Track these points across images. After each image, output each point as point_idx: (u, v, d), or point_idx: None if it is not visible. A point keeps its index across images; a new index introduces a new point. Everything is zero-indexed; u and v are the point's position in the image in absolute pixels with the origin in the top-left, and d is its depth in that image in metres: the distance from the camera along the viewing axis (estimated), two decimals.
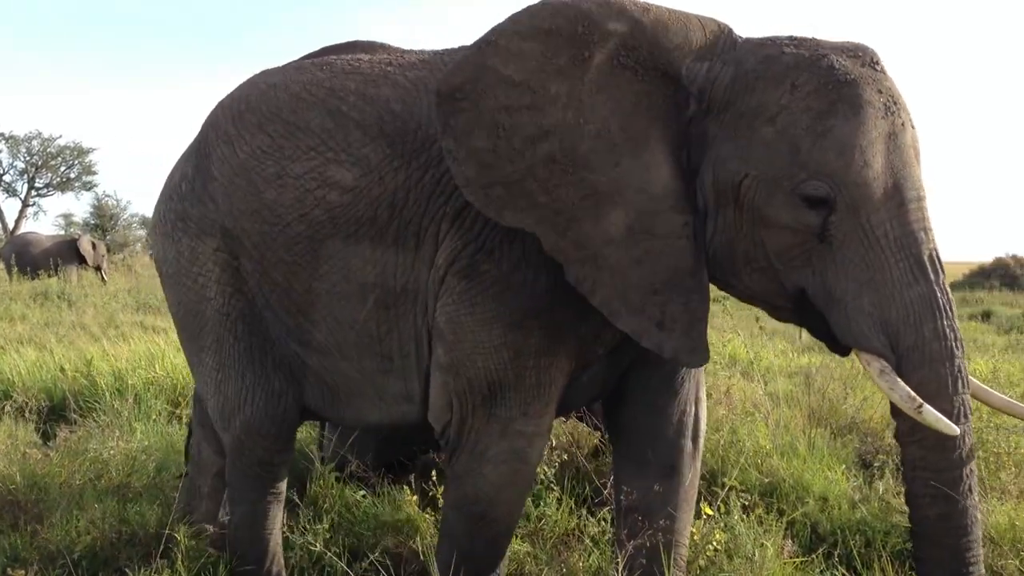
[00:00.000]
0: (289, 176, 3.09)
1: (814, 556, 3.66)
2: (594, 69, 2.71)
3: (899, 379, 2.52)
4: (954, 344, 2.55)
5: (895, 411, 2.63)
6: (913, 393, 2.48)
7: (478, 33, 2.82)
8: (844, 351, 2.79)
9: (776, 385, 6.45)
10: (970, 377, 2.64)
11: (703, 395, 3.40)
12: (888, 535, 3.81)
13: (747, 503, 3.87)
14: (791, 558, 3.60)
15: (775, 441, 4.84)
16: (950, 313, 2.57)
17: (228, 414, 3.34)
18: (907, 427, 2.60)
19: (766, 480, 4.34)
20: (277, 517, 3.50)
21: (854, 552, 3.66)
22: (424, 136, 2.98)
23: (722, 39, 2.79)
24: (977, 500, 2.64)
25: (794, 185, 2.58)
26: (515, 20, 2.76)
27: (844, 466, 4.60)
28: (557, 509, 3.99)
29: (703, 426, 3.37)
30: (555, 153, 2.69)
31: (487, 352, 2.91)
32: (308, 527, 3.75)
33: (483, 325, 2.90)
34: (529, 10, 2.77)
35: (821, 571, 3.58)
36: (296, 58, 3.56)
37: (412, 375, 3.15)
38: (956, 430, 2.47)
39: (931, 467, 2.59)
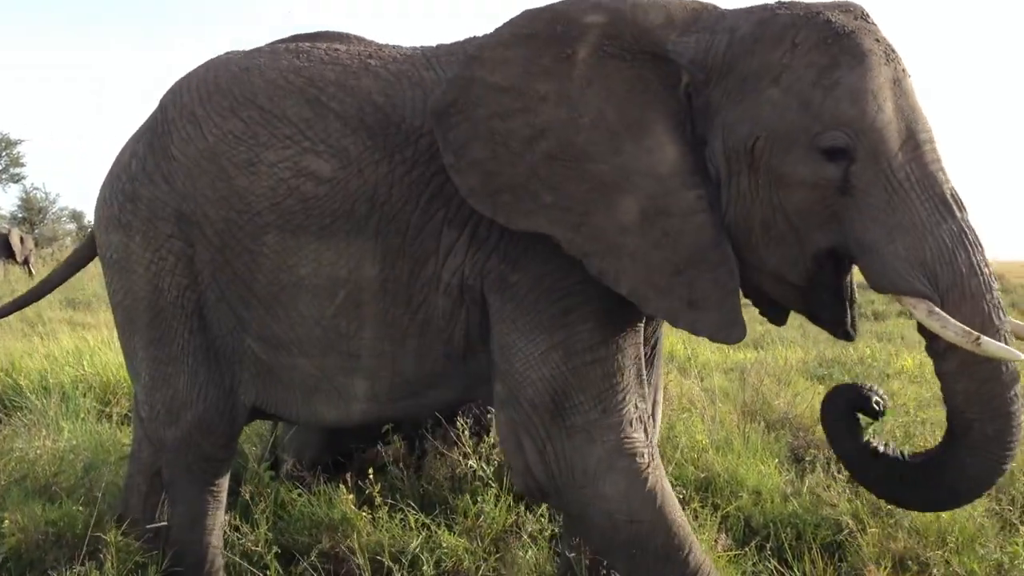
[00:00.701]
0: (263, 164, 3.01)
1: (747, 549, 3.72)
2: (580, 64, 2.71)
3: (949, 317, 2.47)
4: (989, 278, 2.54)
5: (934, 351, 2.59)
6: (967, 327, 2.44)
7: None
8: (848, 337, 2.80)
9: (712, 381, 6.55)
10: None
11: (661, 396, 3.43)
12: (818, 527, 3.89)
13: (683, 497, 3.93)
14: (725, 551, 3.66)
15: (711, 436, 4.92)
16: (980, 247, 2.55)
17: (177, 408, 3.23)
18: (954, 366, 2.56)
19: (701, 475, 4.41)
20: (217, 517, 3.42)
21: (785, 545, 3.73)
22: (409, 130, 2.95)
23: (705, 12, 2.80)
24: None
25: (810, 138, 2.56)
26: (497, 33, 2.83)
27: (777, 460, 4.69)
28: (495, 506, 3.99)
29: (659, 422, 3.41)
30: (553, 150, 2.69)
31: (538, 360, 2.83)
32: (241, 527, 3.69)
33: (525, 335, 2.85)
34: (509, 22, 2.84)
35: (753, 564, 3.64)
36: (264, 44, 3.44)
37: (382, 375, 3.10)
38: (1019, 355, 2.45)
39: (987, 394, 2.55)
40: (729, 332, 2.72)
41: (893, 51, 2.63)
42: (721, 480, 4.34)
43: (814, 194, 2.60)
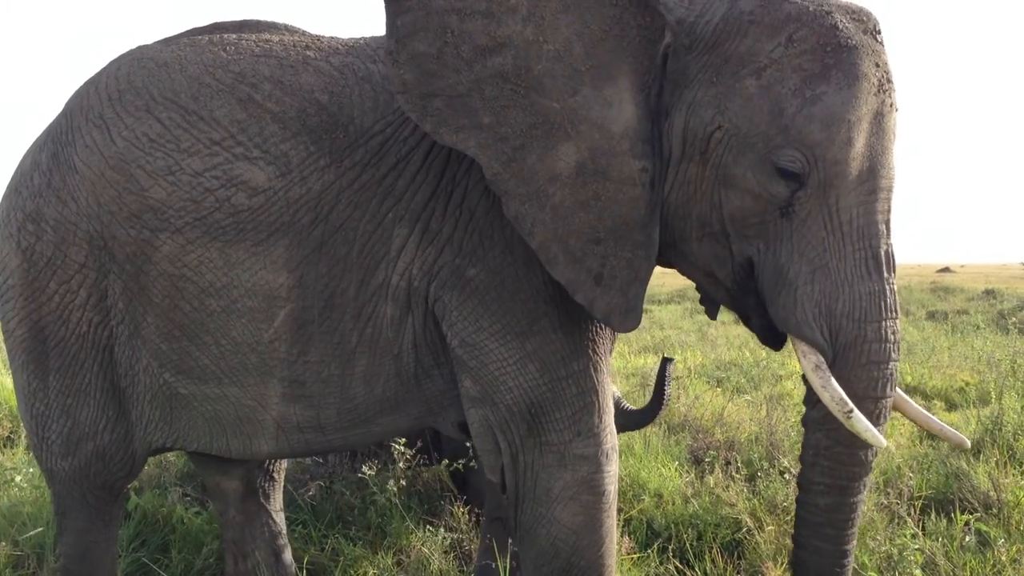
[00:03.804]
0: (184, 172, 2.69)
1: (650, 551, 3.78)
2: None
3: (833, 379, 2.40)
4: (893, 347, 2.45)
5: (809, 398, 2.55)
6: (845, 397, 2.38)
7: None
8: (775, 343, 2.68)
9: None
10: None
11: None
12: (718, 527, 3.97)
13: None
14: (628, 554, 3.71)
15: None
16: (895, 314, 2.45)
17: (77, 439, 2.93)
18: (820, 415, 2.51)
19: None
20: (110, 549, 3.17)
21: (687, 545, 3.80)
22: (358, 131, 2.69)
23: None
24: (865, 497, 2.63)
25: (768, 149, 2.40)
26: None
27: (677, 463, 4.78)
28: (402, 524, 3.99)
29: None
30: (507, 69, 2.45)
31: (514, 369, 2.65)
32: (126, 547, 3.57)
33: (496, 339, 2.65)
34: None
35: (656, 566, 3.69)
36: (179, 32, 3.10)
37: (329, 402, 2.83)
38: (883, 442, 2.41)
39: (835, 458, 2.52)
40: (625, 319, 2.58)
41: (889, 82, 2.45)
42: (624, 484, 4.39)
43: (755, 205, 2.47)
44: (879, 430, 2.42)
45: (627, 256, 2.54)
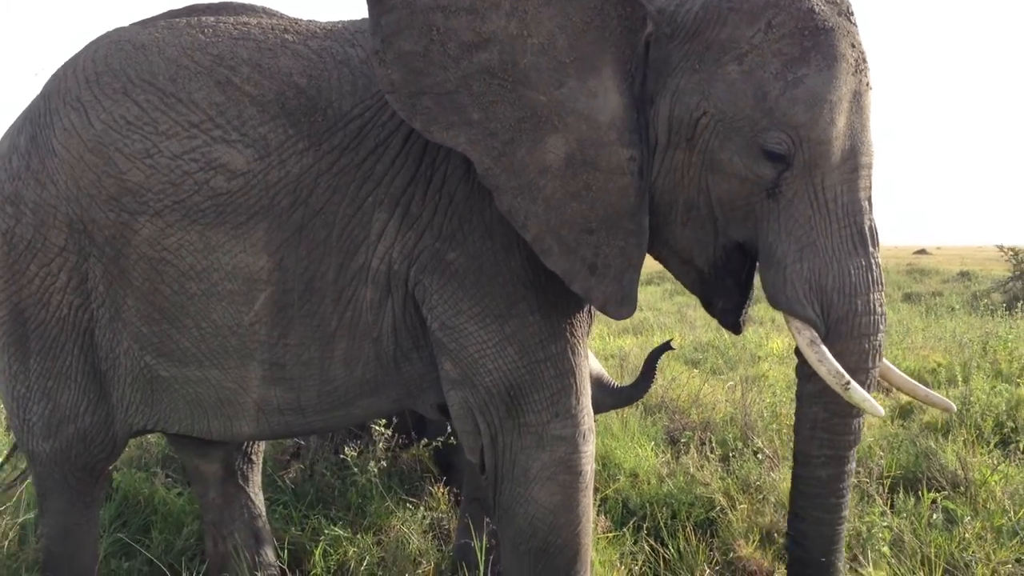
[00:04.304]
0: (163, 155, 2.69)
1: (625, 530, 3.84)
2: None
3: (828, 353, 2.49)
4: (880, 319, 2.55)
5: (803, 372, 2.63)
6: (842, 369, 2.46)
7: None
8: (735, 327, 2.79)
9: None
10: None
11: None
12: (692, 506, 4.04)
13: None
14: (604, 533, 3.77)
15: None
16: (881, 287, 2.55)
17: (58, 421, 2.95)
18: (816, 389, 2.60)
19: None
20: (92, 529, 3.20)
21: (661, 524, 3.87)
22: (337, 114, 2.71)
23: None
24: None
25: (755, 132, 2.47)
26: None
27: (653, 443, 4.85)
28: (382, 504, 4.04)
29: None
30: (493, 64, 2.49)
31: (493, 351, 2.69)
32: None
33: (476, 321, 2.69)
34: None
35: (631, 544, 3.75)
36: (156, 14, 3.07)
37: (309, 384, 2.86)
38: (881, 411, 2.50)
39: (832, 430, 2.62)
40: (620, 307, 2.63)
41: (864, 61, 2.53)
42: (599, 463, 4.45)
43: (743, 188, 2.54)
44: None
45: (620, 244, 2.58)
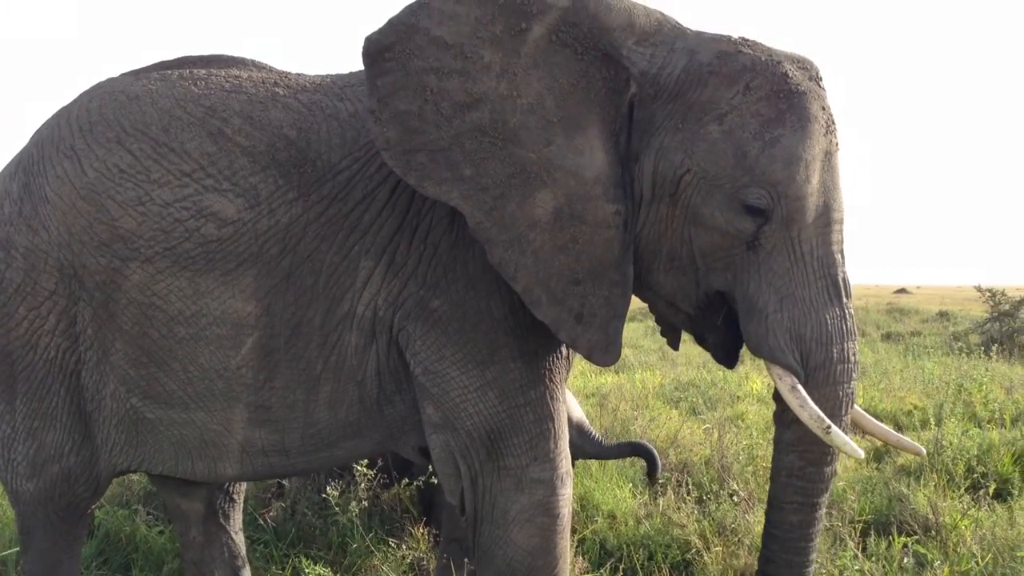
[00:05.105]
0: (154, 203, 2.76)
1: (602, 571, 3.89)
2: (531, 42, 2.62)
3: (809, 399, 2.59)
4: (853, 368, 2.67)
5: (781, 419, 2.73)
6: (823, 415, 2.56)
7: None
8: (729, 363, 2.88)
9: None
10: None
11: None
12: (668, 548, 4.09)
13: None
14: (581, 574, 3.82)
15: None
16: (854, 336, 2.67)
17: (43, 461, 2.97)
18: (794, 437, 2.70)
19: None
20: (75, 562, 3.22)
21: (638, 565, 3.92)
22: (326, 166, 2.79)
23: (667, 26, 2.74)
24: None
25: (735, 189, 2.59)
26: None
27: (631, 484, 4.90)
28: (362, 544, 4.06)
29: None
30: (484, 123, 2.60)
31: (474, 397, 2.77)
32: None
33: (458, 367, 2.77)
34: None
35: None
36: (146, 65, 3.16)
37: (293, 426, 2.91)
38: (861, 454, 2.63)
39: (806, 478, 2.71)
40: (605, 354, 2.72)
41: (833, 123, 2.68)
42: (578, 504, 4.50)
43: (723, 240, 2.65)
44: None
45: (605, 294, 2.69)
